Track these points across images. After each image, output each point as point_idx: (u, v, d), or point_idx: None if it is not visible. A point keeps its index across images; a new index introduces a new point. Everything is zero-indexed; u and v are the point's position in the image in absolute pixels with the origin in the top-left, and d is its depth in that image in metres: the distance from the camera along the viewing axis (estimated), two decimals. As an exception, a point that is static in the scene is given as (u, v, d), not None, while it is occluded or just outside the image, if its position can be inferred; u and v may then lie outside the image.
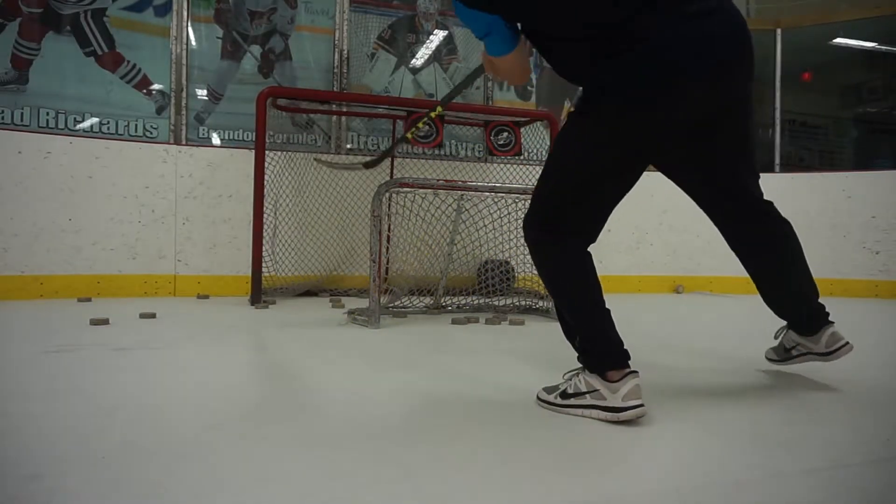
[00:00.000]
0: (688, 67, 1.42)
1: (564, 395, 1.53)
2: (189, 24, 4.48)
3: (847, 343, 1.73)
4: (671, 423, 1.45)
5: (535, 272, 3.69)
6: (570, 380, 1.55)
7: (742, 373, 2.02)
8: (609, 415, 1.44)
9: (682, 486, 1.09)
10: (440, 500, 1.01)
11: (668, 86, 1.42)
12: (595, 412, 1.46)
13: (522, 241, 3.60)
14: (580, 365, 1.57)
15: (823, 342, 1.75)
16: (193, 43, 4.51)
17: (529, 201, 1.64)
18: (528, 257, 3.66)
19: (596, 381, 1.47)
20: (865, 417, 1.55)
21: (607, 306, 1.55)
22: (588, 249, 1.58)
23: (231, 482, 1.06)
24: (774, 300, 1.83)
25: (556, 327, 3.04)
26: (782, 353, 1.90)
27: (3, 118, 4.01)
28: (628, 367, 1.48)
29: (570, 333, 1.59)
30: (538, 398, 1.61)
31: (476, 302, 3.63)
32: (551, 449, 1.27)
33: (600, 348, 1.51)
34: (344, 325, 2.92)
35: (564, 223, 1.56)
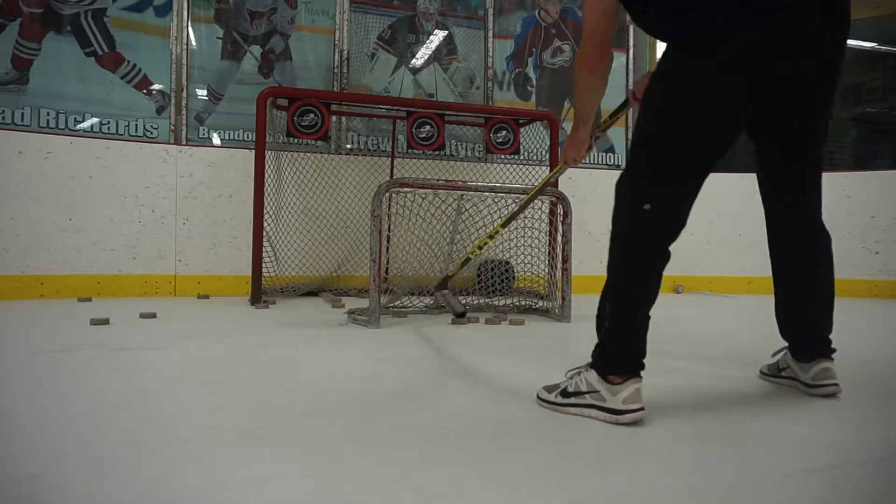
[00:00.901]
0: (786, 7, 1.37)
1: (565, 393, 1.51)
2: (189, 24, 4.48)
3: (835, 384, 1.64)
4: (671, 422, 1.45)
5: (535, 272, 3.72)
6: (572, 378, 1.52)
7: (742, 373, 2.01)
8: (608, 416, 1.42)
9: (683, 486, 1.09)
10: (440, 500, 1.01)
11: (768, 22, 1.37)
12: (594, 412, 1.44)
13: (522, 241, 3.62)
14: (586, 362, 1.54)
15: (811, 374, 1.67)
16: (193, 43, 4.51)
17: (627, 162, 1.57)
18: (528, 257, 3.67)
19: (597, 382, 1.45)
20: (865, 417, 1.55)
21: (649, 315, 1.50)
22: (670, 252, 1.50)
23: (231, 482, 1.06)
24: (786, 314, 1.74)
25: (555, 327, 3.06)
26: (774, 371, 1.84)
27: (3, 118, 4.01)
28: (636, 374, 1.45)
29: (600, 323, 1.52)
30: (538, 397, 1.59)
31: (476, 302, 3.63)
32: (552, 449, 1.27)
33: (619, 349, 1.47)
34: (344, 325, 2.92)
35: (663, 193, 1.47)
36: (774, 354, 1.86)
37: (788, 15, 1.39)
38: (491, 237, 2.80)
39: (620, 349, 1.47)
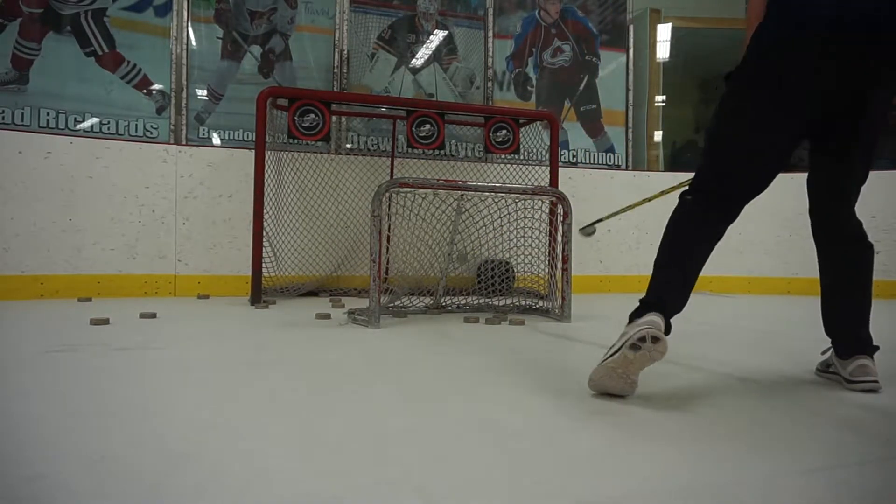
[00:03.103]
0: (829, 23, 1.54)
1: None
2: (189, 24, 4.48)
3: (873, 381, 1.71)
4: (670, 422, 1.45)
5: (535, 272, 3.72)
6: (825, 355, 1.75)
7: (742, 373, 2.01)
8: (624, 343, 1.55)
9: (683, 486, 1.09)
10: (441, 500, 1.01)
11: (810, 35, 1.55)
12: (615, 351, 1.57)
13: (522, 241, 3.62)
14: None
15: (849, 370, 1.74)
16: (193, 43, 4.51)
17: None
18: (528, 257, 3.67)
19: (625, 326, 1.61)
20: (866, 417, 1.55)
21: (692, 277, 1.74)
22: (724, 220, 1.75)
23: (231, 482, 1.06)
24: (830, 314, 1.85)
25: (555, 327, 3.06)
26: (824, 368, 1.91)
27: (3, 118, 4.01)
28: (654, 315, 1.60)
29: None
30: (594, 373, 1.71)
31: (476, 302, 3.63)
32: (552, 448, 1.27)
33: (648, 295, 1.66)
34: (344, 325, 2.92)
35: (711, 180, 1.72)
36: (824, 352, 1.92)
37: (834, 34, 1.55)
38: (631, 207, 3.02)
39: (649, 292, 1.67)
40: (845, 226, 1.81)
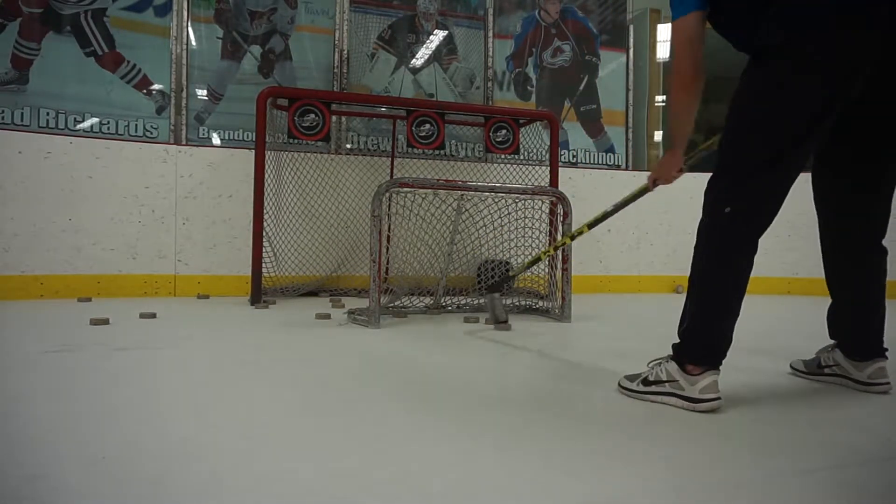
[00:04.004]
0: (870, 11, 1.42)
1: (646, 382, 1.60)
2: (189, 24, 4.48)
3: (888, 383, 1.70)
4: (671, 422, 1.45)
5: (535, 272, 3.71)
6: (653, 369, 1.60)
7: (741, 373, 2.01)
8: (686, 404, 1.50)
9: (682, 485, 1.09)
10: (441, 500, 1.01)
11: (853, 24, 1.42)
12: (673, 399, 1.52)
13: (522, 241, 3.62)
14: (666, 354, 1.61)
15: (868, 372, 1.71)
16: (193, 43, 4.51)
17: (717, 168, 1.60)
18: (528, 258, 3.67)
19: (675, 371, 1.53)
20: (866, 417, 1.55)
21: (738, 311, 1.57)
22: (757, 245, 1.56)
23: (231, 482, 1.06)
24: (845, 319, 1.79)
25: (555, 327, 3.06)
26: (813, 368, 1.87)
27: (3, 118, 4.01)
28: (713, 367, 1.52)
29: (682, 318, 1.60)
30: (619, 385, 1.67)
31: (476, 302, 3.63)
32: (552, 448, 1.27)
33: (700, 347, 1.54)
34: (344, 325, 2.92)
35: (746, 196, 1.52)
36: (819, 352, 1.88)
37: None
38: (572, 238, 2.68)
39: (701, 345, 1.54)
40: (878, 243, 1.72)
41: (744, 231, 1.54)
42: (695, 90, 1.69)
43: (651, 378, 1.59)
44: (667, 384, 1.54)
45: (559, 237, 3.33)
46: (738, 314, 1.56)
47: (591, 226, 2.50)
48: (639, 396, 1.60)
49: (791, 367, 1.97)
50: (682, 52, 1.66)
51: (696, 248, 1.59)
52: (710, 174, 1.60)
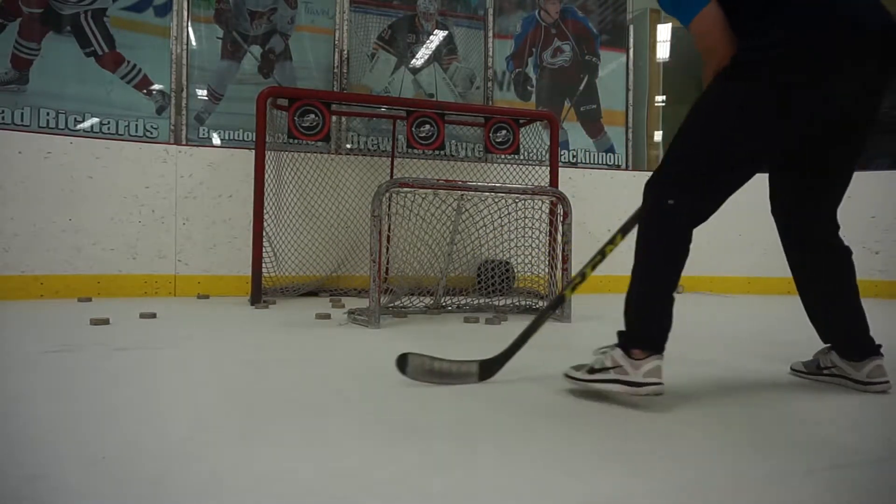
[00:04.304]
0: (848, 44, 1.46)
1: (591, 370, 1.61)
2: (189, 24, 4.48)
3: (888, 381, 1.70)
4: (671, 422, 1.45)
5: (535, 272, 3.72)
6: (599, 357, 1.62)
7: (741, 373, 2.02)
8: (629, 389, 1.52)
9: (683, 485, 1.09)
10: (441, 500, 1.01)
11: (831, 54, 1.45)
12: (617, 386, 1.54)
13: (522, 241, 3.62)
14: (611, 343, 1.62)
15: (866, 371, 1.71)
16: (193, 43, 4.51)
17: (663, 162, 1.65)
18: (528, 258, 3.67)
19: (620, 357, 1.55)
20: (865, 417, 1.55)
21: (674, 296, 1.60)
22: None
23: (231, 482, 1.06)
24: (830, 324, 1.81)
25: (555, 327, 3.06)
26: (812, 369, 1.88)
27: (3, 118, 4.01)
28: (657, 352, 1.54)
29: (629, 306, 1.62)
30: (566, 375, 1.69)
31: (476, 302, 3.63)
32: (552, 448, 1.27)
33: (643, 331, 1.57)
34: (344, 325, 2.92)
35: (689, 192, 1.57)
36: (816, 355, 1.88)
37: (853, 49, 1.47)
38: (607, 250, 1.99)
39: (644, 328, 1.57)
40: (834, 232, 1.76)
41: (684, 222, 1.60)
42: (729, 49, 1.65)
43: (597, 366, 1.60)
44: (611, 371, 1.56)
45: (559, 237, 3.33)
46: (673, 300, 1.60)
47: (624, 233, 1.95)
48: (584, 385, 1.62)
49: (791, 368, 1.96)
50: (716, 40, 1.57)
51: (637, 237, 1.63)
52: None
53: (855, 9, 1.47)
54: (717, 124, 1.56)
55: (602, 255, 1.92)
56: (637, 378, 1.51)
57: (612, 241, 1.85)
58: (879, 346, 1.74)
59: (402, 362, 1.79)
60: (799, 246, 1.79)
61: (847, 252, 1.75)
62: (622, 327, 1.62)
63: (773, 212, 1.82)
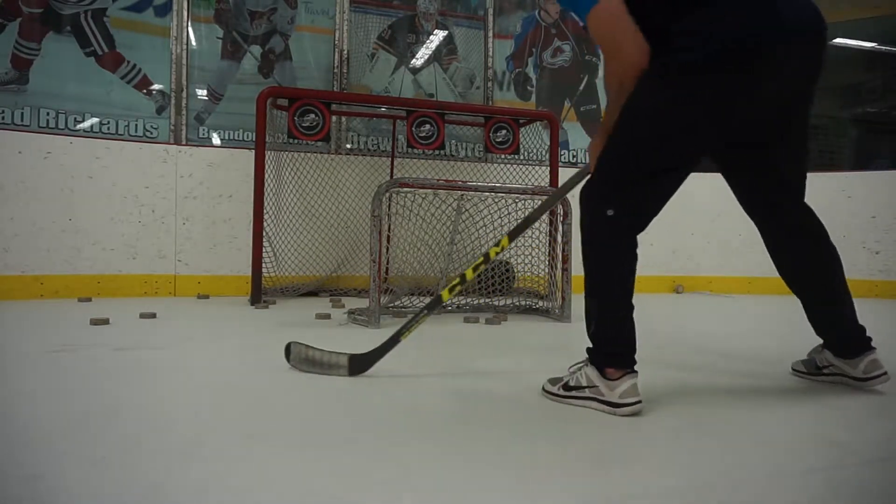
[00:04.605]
0: (765, 41, 1.44)
1: (567, 387, 1.59)
2: (189, 24, 4.48)
3: (885, 373, 1.69)
4: (671, 422, 1.45)
5: (535, 272, 3.72)
6: (574, 374, 1.60)
7: (741, 373, 2.02)
8: (607, 408, 1.49)
9: (682, 485, 1.09)
10: (440, 500, 1.01)
11: (746, 55, 1.43)
12: (593, 404, 1.52)
13: (522, 241, 3.62)
14: (585, 357, 1.60)
15: (861, 368, 1.70)
16: (193, 43, 4.51)
17: (592, 173, 1.64)
18: (528, 257, 3.67)
19: (595, 377, 1.53)
20: (866, 417, 1.55)
21: (633, 305, 1.57)
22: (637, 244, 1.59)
23: (231, 482, 1.06)
24: (817, 317, 1.80)
25: (555, 327, 3.06)
26: (812, 369, 1.87)
27: (3, 118, 4.01)
28: (630, 368, 1.52)
29: (589, 322, 1.60)
30: (543, 389, 1.67)
31: (476, 302, 3.63)
32: (552, 449, 1.27)
33: (611, 348, 1.55)
34: (344, 325, 2.92)
35: (626, 200, 1.54)
36: (811, 353, 1.88)
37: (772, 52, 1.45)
38: (498, 250, 2.07)
39: (611, 345, 1.55)
40: (811, 217, 1.75)
41: (625, 231, 1.56)
42: (641, 62, 1.53)
43: (572, 383, 1.58)
44: (587, 389, 1.53)
45: (559, 237, 3.33)
46: (632, 307, 1.57)
47: (513, 236, 2.03)
48: (560, 401, 1.59)
49: (792, 368, 1.96)
50: (614, 46, 1.50)
51: (582, 251, 1.60)
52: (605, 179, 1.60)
53: (780, 9, 1.45)
54: (647, 129, 1.52)
55: (486, 258, 1.93)
56: (613, 399, 1.48)
57: (498, 244, 1.88)
58: (870, 339, 1.74)
59: (287, 351, 1.94)
60: (776, 236, 1.77)
61: (824, 234, 1.73)
62: (585, 366, 1.59)
63: (745, 210, 1.81)
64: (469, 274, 1.92)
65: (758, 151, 1.67)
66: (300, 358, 1.92)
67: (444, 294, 1.92)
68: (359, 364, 1.87)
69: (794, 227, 1.74)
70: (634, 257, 1.57)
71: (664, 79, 1.48)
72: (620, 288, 1.55)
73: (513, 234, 1.95)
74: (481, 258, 1.92)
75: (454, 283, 1.92)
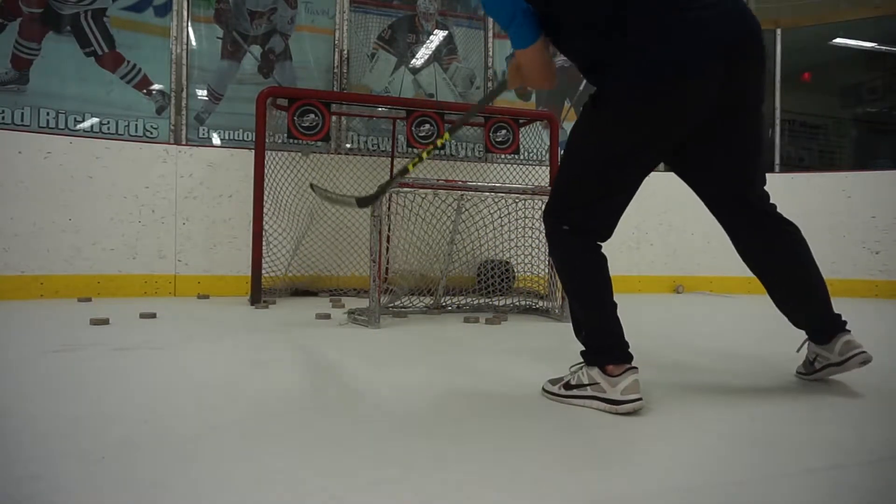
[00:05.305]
0: (688, 61, 1.45)
1: (567, 386, 1.60)
2: (189, 24, 4.48)
3: (862, 352, 1.68)
4: (671, 422, 1.45)
5: (535, 272, 3.72)
6: (575, 373, 1.61)
7: (742, 373, 2.02)
8: (608, 406, 1.50)
9: (682, 486, 1.09)
10: (440, 500, 1.01)
11: (671, 79, 1.46)
12: (595, 403, 1.53)
13: (522, 241, 3.62)
14: (581, 362, 1.61)
15: (837, 350, 1.70)
16: (193, 43, 4.51)
17: (550, 192, 1.71)
18: (528, 258, 3.67)
19: (597, 375, 1.54)
20: (866, 417, 1.55)
21: (615, 301, 1.61)
22: (602, 246, 1.65)
23: (231, 482, 1.06)
24: (787, 307, 1.81)
25: (555, 327, 3.06)
26: (808, 367, 1.86)
27: (3, 118, 4.01)
28: (628, 363, 1.53)
29: (577, 328, 1.65)
30: (543, 389, 1.68)
31: (476, 302, 3.63)
32: (552, 449, 1.27)
33: (602, 343, 1.57)
34: (344, 325, 2.92)
35: (580, 216, 1.61)
36: (799, 350, 1.88)
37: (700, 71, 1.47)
38: (430, 150, 2.54)
39: (600, 342, 1.58)
40: (769, 205, 1.75)
41: (583, 242, 1.63)
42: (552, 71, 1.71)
43: (573, 382, 1.59)
44: (588, 388, 1.55)
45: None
46: (615, 305, 1.60)
47: (453, 130, 2.41)
48: (561, 400, 1.60)
49: (796, 372, 1.96)
50: (539, 75, 1.68)
51: (555, 266, 1.69)
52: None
53: (707, 20, 1.45)
54: (593, 151, 1.59)
55: (420, 158, 2.40)
56: (615, 396, 1.49)
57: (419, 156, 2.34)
58: (845, 322, 1.74)
59: (313, 188, 3.02)
60: (742, 227, 1.77)
61: (790, 227, 1.74)
62: (582, 365, 1.61)
63: (708, 207, 1.81)
64: (410, 167, 2.50)
65: (707, 150, 1.67)
66: (323, 195, 2.87)
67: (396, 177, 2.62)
68: (364, 202, 2.64)
69: (755, 218, 1.74)
70: (598, 259, 1.63)
71: (598, 106, 1.56)
72: (594, 291, 1.61)
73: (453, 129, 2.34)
74: (416, 157, 2.44)
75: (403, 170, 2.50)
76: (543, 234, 3.71)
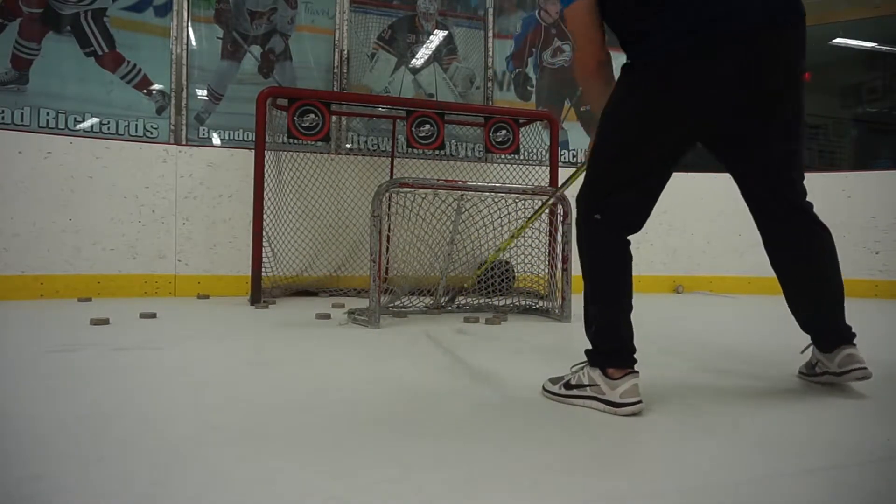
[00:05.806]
0: (702, 43, 1.45)
1: (568, 385, 1.60)
2: (189, 24, 4.48)
3: (863, 368, 1.66)
4: (671, 422, 1.45)
5: (535, 272, 3.72)
6: (576, 373, 1.60)
7: (741, 373, 2.02)
8: (608, 408, 1.50)
9: (682, 486, 1.09)
10: (440, 500, 1.01)
11: (684, 57, 1.46)
12: (594, 403, 1.53)
13: (522, 241, 3.62)
14: (584, 360, 1.61)
15: (837, 361, 1.69)
16: (193, 43, 4.51)
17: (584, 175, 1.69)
18: (528, 257, 3.67)
19: (597, 376, 1.53)
20: (866, 417, 1.55)
21: (631, 304, 1.58)
22: (631, 241, 1.61)
23: (231, 482, 1.06)
24: (795, 306, 1.79)
25: (555, 327, 3.06)
26: (810, 369, 1.86)
27: (3, 118, 4.01)
28: (631, 367, 1.53)
29: (588, 323, 1.63)
30: (543, 388, 1.67)
31: (476, 302, 3.63)
32: (552, 449, 1.27)
33: (608, 346, 1.56)
34: (344, 325, 2.92)
35: (612, 206, 1.58)
36: (803, 351, 1.87)
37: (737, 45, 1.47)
38: (503, 248, 2.58)
39: (608, 344, 1.56)
40: (805, 202, 1.73)
41: (614, 233, 1.59)
42: (604, 76, 1.72)
43: (573, 382, 1.58)
44: (588, 388, 1.54)
45: (559, 237, 3.33)
46: (631, 308, 1.59)
47: (518, 233, 2.37)
48: (561, 400, 1.59)
49: (799, 372, 1.95)
50: (579, 40, 1.68)
51: (579, 253, 1.66)
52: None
53: (730, 4, 1.46)
54: (624, 133, 1.57)
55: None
56: (614, 398, 1.49)
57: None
58: (853, 334, 1.72)
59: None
60: (771, 218, 1.75)
61: (824, 230, 1.72)
62: (585, 365, 1.60)
63: (743, 196, 1.80)
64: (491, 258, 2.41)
65: (744, 141, 1.66)
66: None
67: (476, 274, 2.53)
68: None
69: (786, 213, 1.71)
70: (625, 256, 1.59)
71: (633, 80, 1.57)
72: (613, 287, 1.58)
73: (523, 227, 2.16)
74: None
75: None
76: (543, 234, 3.73)
